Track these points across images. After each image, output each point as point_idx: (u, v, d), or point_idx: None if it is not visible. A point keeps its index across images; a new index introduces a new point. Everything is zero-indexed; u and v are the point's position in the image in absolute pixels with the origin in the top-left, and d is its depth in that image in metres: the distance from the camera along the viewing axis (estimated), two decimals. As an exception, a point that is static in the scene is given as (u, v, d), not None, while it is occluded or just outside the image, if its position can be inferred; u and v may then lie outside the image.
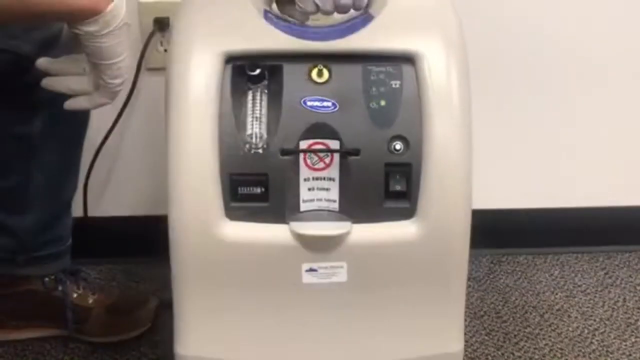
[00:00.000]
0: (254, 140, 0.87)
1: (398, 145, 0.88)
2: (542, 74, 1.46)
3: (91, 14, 0.85)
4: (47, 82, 0.95)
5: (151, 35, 1.35)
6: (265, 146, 0.87)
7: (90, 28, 0.86)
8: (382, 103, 0.88)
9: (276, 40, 0.89)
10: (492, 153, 1.50)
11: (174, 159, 0.87)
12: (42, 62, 0.96)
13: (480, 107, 1.42)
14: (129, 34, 0.90)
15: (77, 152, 1.25)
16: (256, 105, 0.88)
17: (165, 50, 1.36)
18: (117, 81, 0.92)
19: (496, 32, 1.42)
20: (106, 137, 1.38)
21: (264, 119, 0.88)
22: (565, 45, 1.44)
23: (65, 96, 1.03)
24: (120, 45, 0.89)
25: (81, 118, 1.22)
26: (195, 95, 0.87)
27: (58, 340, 1.28)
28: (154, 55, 1.37)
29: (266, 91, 0.89)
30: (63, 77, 0.95)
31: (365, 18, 0.93)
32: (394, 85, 0.88)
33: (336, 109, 0.88)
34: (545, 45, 1.44)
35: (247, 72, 0.88)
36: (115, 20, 0.87)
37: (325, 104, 0.87)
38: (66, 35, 0.99)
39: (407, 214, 0.89)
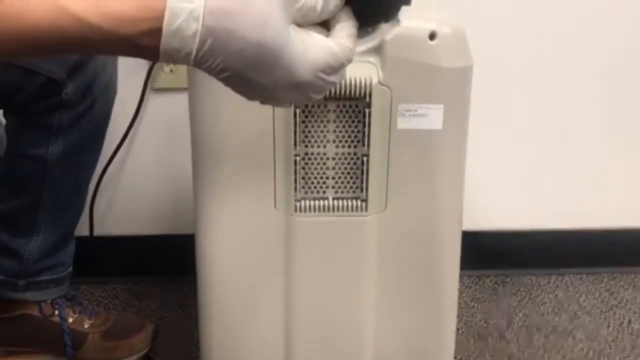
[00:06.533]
0: None
1: None
2: (551, 88, 1.47)
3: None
4: None
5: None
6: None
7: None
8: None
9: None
10: (497, 174, 1.50)
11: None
12: None
13: (486, 128, 1.43)
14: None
15: (88, 178, 1.24)
16: None
17: (172, 71, 1.37)
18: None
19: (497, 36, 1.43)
20: (112, 157, 1.39)
21: None
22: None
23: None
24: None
25: (96, 146, 1.21)
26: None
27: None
28: (160, 76, 1.38)
29: None
30: None
31: None
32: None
33: None
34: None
35: None
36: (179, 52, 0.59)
37: None
38: None
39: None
